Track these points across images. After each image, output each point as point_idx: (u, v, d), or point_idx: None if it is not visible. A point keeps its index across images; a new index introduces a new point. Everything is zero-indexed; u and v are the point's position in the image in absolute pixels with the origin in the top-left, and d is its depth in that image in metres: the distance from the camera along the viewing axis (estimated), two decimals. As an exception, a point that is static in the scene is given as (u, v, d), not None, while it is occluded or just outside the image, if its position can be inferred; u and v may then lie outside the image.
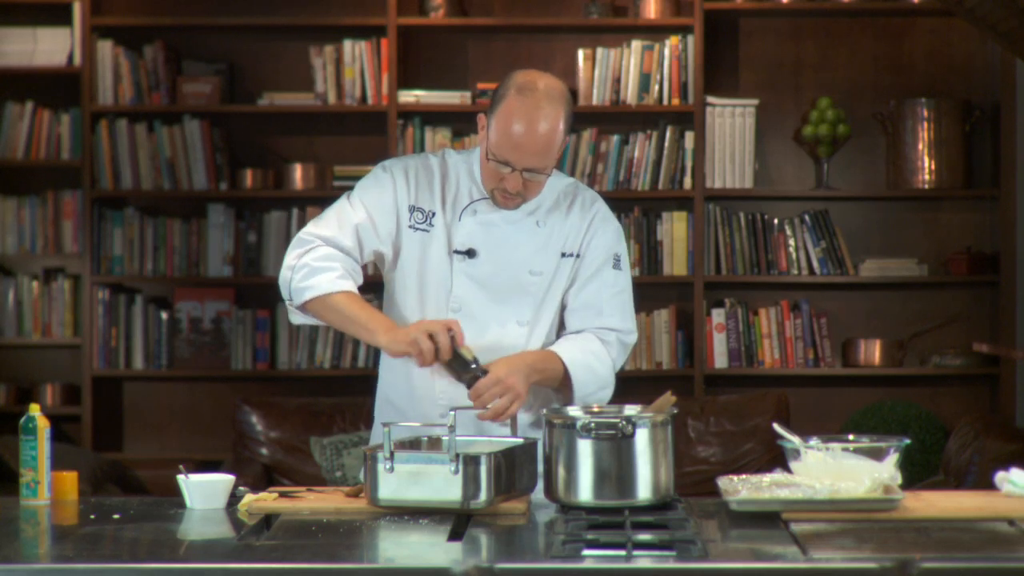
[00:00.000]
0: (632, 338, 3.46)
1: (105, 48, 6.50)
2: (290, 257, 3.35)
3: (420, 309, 3.38)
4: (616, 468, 2.93)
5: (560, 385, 3.39)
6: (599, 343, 3.42)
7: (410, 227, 3.37)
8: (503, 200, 3.33)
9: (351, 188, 3.42)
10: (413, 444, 3.16)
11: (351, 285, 3.33)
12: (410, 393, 3.39)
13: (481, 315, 3.35)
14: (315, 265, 3.31)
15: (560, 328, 3.46)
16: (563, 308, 3.44)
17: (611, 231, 3.44)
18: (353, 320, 3.30)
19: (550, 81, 3.27)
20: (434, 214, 3.37)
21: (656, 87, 6.49)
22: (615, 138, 6.51)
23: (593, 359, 3.39)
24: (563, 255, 3.40)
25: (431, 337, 3.17)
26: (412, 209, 3.37)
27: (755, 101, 6.52)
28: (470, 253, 3.36)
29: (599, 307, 3.42)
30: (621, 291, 3.44)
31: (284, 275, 3.36)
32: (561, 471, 2.97)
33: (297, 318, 3.39)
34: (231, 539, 2.81)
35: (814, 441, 3.02)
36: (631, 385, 6.52)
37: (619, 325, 3.43)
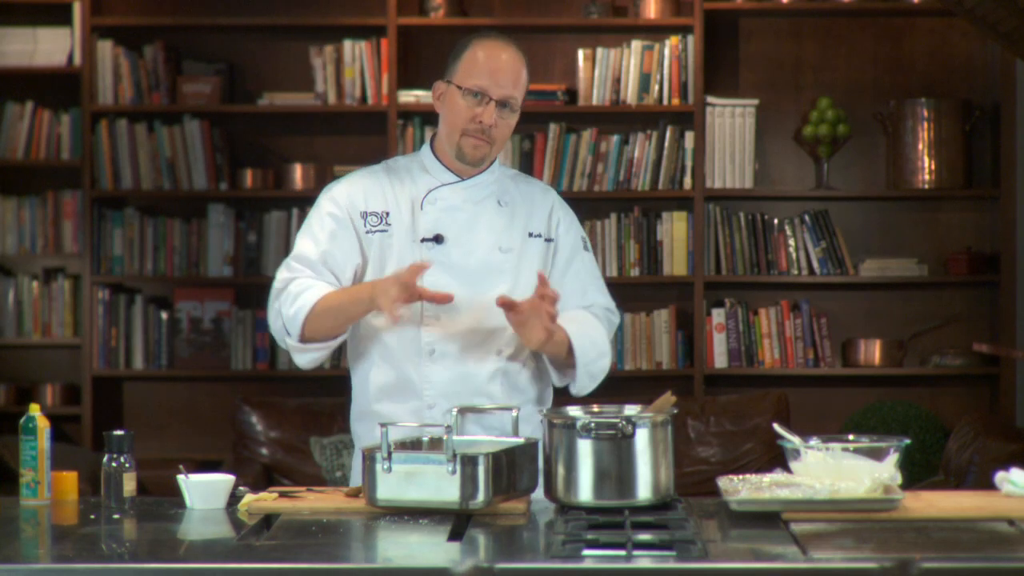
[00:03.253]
0: (616, 316, 3.53)
1: (105, 48, 6.50)
2: (273, 305, 3.37)
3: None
4: (616, 468, 2.93)
5: (565, 358, 3.39)
6: (592, 316, 3.46)
7: (367, 232, 3.38)
8: (473, 145, 3.36)
9: (305, 224, 3.43)
10: (414, 444, 3.15)
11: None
12: (393, 390, 3.37)
13: (458, 299, 3.34)
14: (295, 291, 3.32)
15: None
16: None
17: (572, 216, 3.53)
18: (344, 306, 3.30)
19: None
20: (388, 213, 3.38)
21: (656, 87, 6.49)
22: (615, 138, 6.51)
23: (591, 329, 3.42)
24: (530, 235, 3.43)
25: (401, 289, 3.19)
26: (365, 215, 3.38)
27: (755, 101, 6.53)
28: (437, 239, 3.38)
29: (583, 288, 3.47)
30: (595, 271, 3.53)
31: (273, 322, 3.38)
32: (561, 471, 2.97)
33: (304, 357, 3.37)
34: (231, 539, 2.81)
35: (814, 441, 3.02)
36: (631, 385, 6.54)
37: (603, 301, 3.50)
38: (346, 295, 3.32)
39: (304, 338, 3.33)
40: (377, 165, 3.49)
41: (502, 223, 3.41)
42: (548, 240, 3.45)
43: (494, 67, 3.34)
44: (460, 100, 3.36)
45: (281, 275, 3.38)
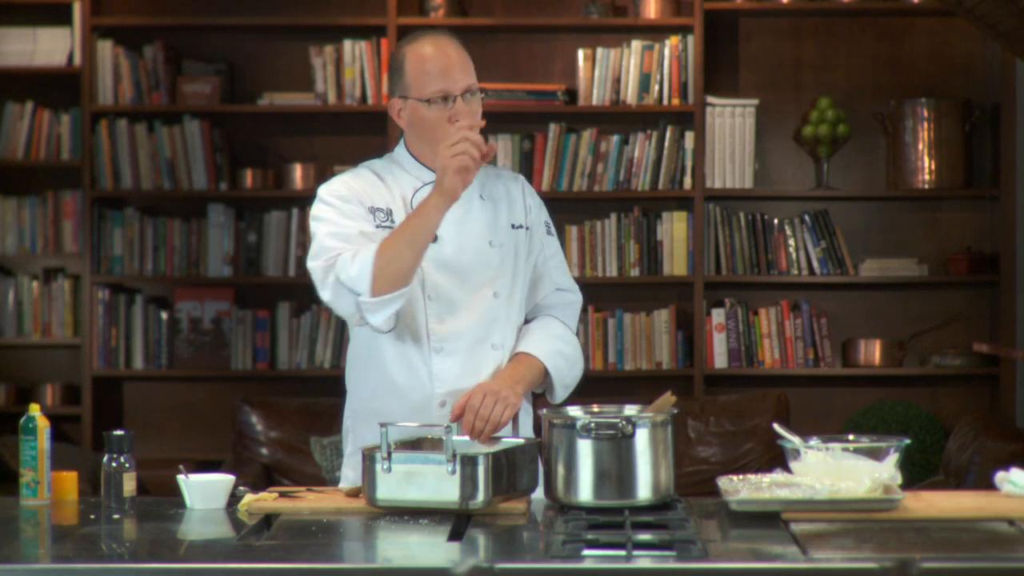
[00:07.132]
0: (578, 296, 3.55)
1: (105, 48, 6.50)
2: (326, 281, 3.24)
3: None
4: (616, 468, 2.93)
5: (541, 378, 3.42)
6: (557, 323, 3.48)
7: (377, 227, 3.34)
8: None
9: (318, 223, 3.32)
10: (415, 444, 3.15)
11: None
12: (404, 390, 3.35)
13: (457, 297, 3.34)
14: (348, 257, 3.21)
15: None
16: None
17: (538, 200, 3.55)
18: (411, 229, 3.20)
19: None
20: (391, 211, 3.36)
21: (656, 87, 6.49)
22: (615, 138, 6.51)
23: (560, 343, 3.44)
24: (513, 226, 3.45)
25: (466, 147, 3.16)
26: (373, 211, 3.35)
27: (755, 101, 6.52)
28: (433, 239, 3.34)
29: (549, 273, 3.50)
30: (559, 254, 3.55)
31: (336, 294, 3.23)
32: (561, 471, 2.97)
33: (381, 314, 3.22)
34: (231, 539, 2.81)
35: (814, 441, 3.02)
36: (631, 385, 6.54)
37: (566, 285, 3.53)
38: (409, 221, 3.21)
39: (376, 292, 3.20)
40: (359, 168, 3.44)
41: (488, 218, 3.41)
42: (527, 229, 3.47)
43: (444, 65, 3.29)
44: (427, 112, 3.30)
45: (318, 261, 3.25)
